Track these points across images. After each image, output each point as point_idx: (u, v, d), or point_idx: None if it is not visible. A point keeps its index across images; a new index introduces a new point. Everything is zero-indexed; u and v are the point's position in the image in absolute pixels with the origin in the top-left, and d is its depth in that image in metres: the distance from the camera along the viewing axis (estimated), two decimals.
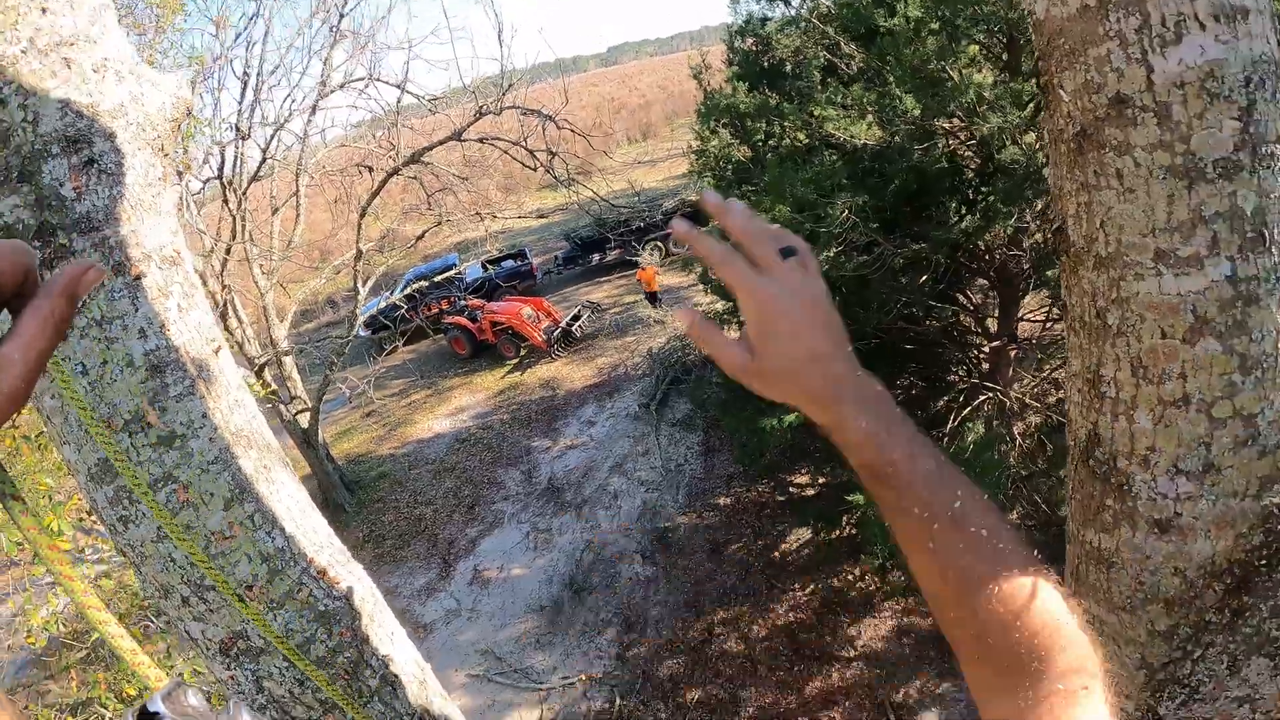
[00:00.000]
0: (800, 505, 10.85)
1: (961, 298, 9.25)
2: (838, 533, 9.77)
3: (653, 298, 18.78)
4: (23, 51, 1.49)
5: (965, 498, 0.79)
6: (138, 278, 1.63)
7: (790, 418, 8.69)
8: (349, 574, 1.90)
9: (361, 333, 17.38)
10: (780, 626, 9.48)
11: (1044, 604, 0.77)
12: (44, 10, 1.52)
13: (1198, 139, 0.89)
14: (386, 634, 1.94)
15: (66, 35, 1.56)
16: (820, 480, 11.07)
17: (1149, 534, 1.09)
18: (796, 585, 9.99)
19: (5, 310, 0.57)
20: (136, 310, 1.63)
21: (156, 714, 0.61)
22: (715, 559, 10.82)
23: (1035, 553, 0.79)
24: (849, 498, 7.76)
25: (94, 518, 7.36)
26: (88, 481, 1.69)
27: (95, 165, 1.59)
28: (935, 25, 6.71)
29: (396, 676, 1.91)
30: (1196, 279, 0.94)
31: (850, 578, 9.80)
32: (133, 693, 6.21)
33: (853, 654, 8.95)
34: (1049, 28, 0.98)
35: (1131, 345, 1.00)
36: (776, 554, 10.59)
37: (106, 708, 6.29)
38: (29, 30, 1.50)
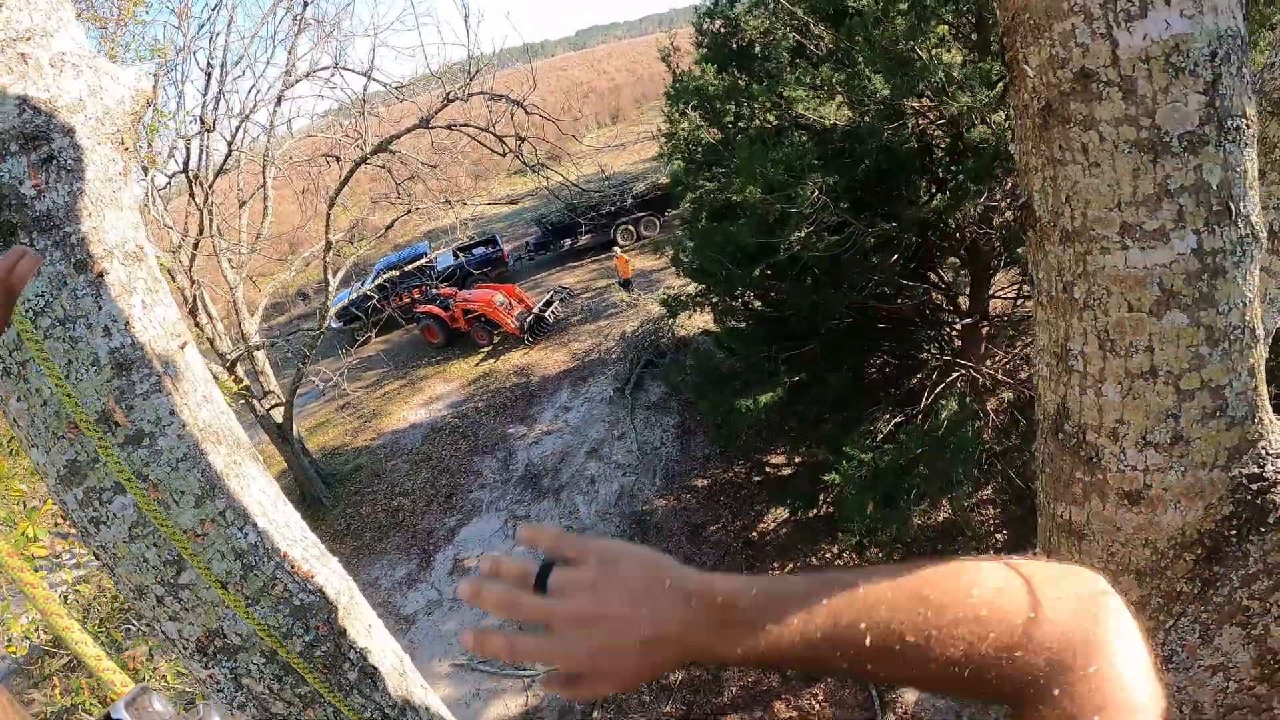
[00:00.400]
0: (777, 485, 10.91)
1: (933, 276, 9.32)
2: (815, 511, 9.84)
3: (626, 284, 18.81)
4: None
5: (859, 603, 0.70)
6: (100, 275, 1.61)
7: (765, 398, 8.72)
8: (324, 567, 1.88)
9: (333, 324, 17.28)
10: None
11: (992, 638, 0.67)
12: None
13: (1163, 113, 0.90)
14: (364, 626, 1.93)
15: (23, 30, 1.53)
16: (796, 460, 11.14)
17: (1119, 506, 1.10)
18: (775, 565, 10.05)
19: None
20: (100, 308, 1.60)
21: None
22: (694, 541, 10.86)
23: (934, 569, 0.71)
24: (825, 476, 7.81)
25: (69, 521, 7.30)
26: (57, 484, 1.66)
27: (54, 161, 1.56)
28: (904, 5, 6.73)
29: (375, 669, 1.90)
30: (1163, 252, 0.94)
31: (829, 556, 9.87)
32: (115, 697, 6.16)
33: None
34: (1013, 3, 0.98)
35: (1099, 319, 1.01)
36: (755, 534, 10.65)
37: (91, 714, 6.25)
38: None
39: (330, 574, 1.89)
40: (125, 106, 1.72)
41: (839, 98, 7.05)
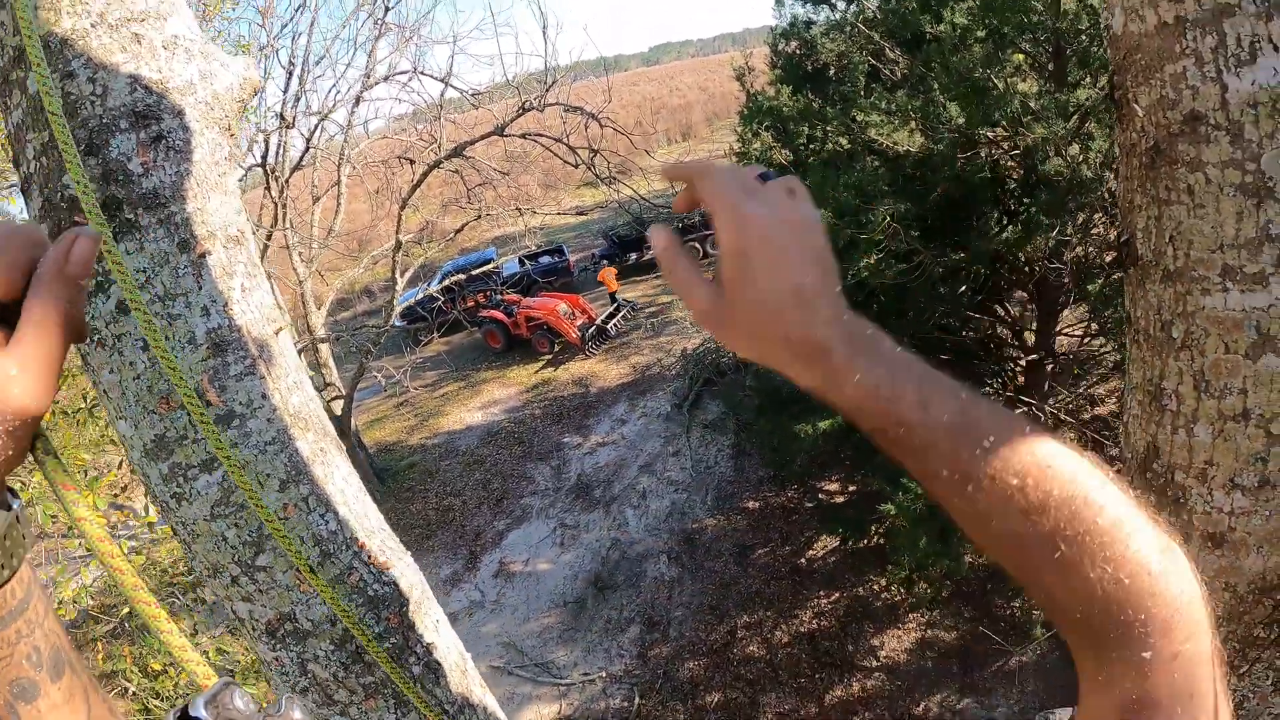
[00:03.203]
0: (829, 512, 10.81)
1: (1000, 309, 9.18)
2: (866, 542, 9.73)
3: (612, 299, 19.11)
4: (93, 25, 1.51)
5: (999, 439, 0.64)
6: (202, 256, 1.65)
7: (824, 424, 8.66)
8: (399, 561, 1.92)
9: (397, 323, 17.54)
10: (803, 633, 9.46)
11: (1118, 555, 0.61)
12: None
13: (1268, 158, 0.90)
14: (432, 622, 1.96)
15: (137, 11, 1.58)
16: (851, 488, 11.03)
17: (1202, 548, 1.09)
18: (821, 593, 9.95)
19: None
20: (200, 288, 1.64)
21: (198, 719, 0.58)
22: (741, 563, 10.81)
23: (1108, 474, 0.64)
24: (880, 507, 7.72)
25: (127, 494, 7.49)
26: (142, 457, 1.69)
27: (163, 141, 1.59)
28: (981, 33, 6.66)
29: (440, 664, 1.92)
30: (1261, 295, 0.94)
31: (876, 588, 9.75)
32: (158, 667, 6.33)
33: (874, 664, 8.91)
34: (1125, 43, 0.99)
35: (1194, 359, 1.01)
36: (803, 560, 10.56)
37: (131, 681, 6.41)
38: (99, 5, 1.52)
39: (405, 568, 1.92)
40: (234, 94, 1.76)
41: (913, 124, 6.99)
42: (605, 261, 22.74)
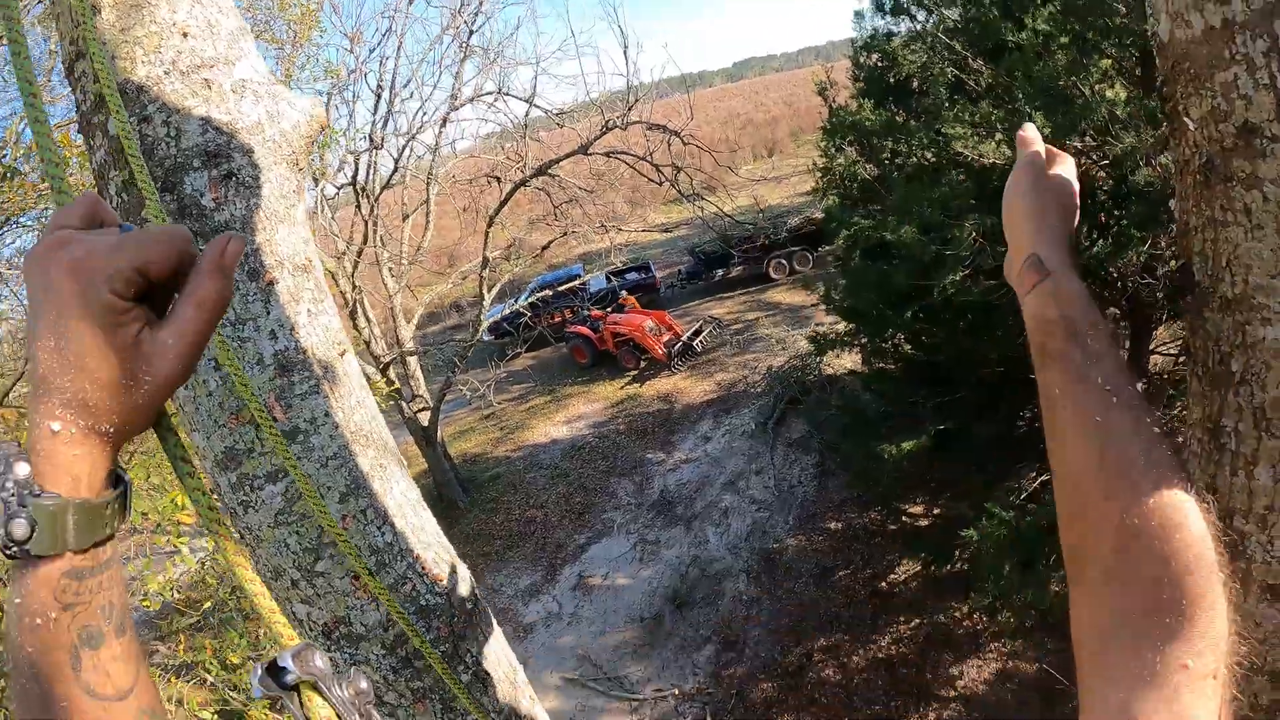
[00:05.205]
0: (912, 536, 10.55)
1: None
2: (949, 567, 9.46)
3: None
4: (165, 73, 1.63)
5: (1142, 398, 0.77)
6: (270, 283, 1.74)
7: (908, 445, 8.48)
8: (453, 572, 1.97)
9: (485, 337, 17.84)
10: (880, 659, 9.25)
11: (1201, 538, 0.66)
12: (185, 35, 1.66)
13: None
14: (482, 633, 2.01)
15: (206, 58, 1.69)
16: (935, 511, 10.76)
17: (1261, 600, 1.00)
18: (901, 618, 9.72)
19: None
20: (269, 313, 1.73)
21: (284, 668, 0.68)
22: (821, 584, 10.64)
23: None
24: (963, 532, 7.50)
25: (221, 501, 7.90)
26: (214, 467, 1.79)
27: (233, 178, 1.70)
28: (1065, 40, 6.45)
29: (488, 674, 1.97)
30: None
31: (957, 615, 9.48)
32: (236, 660, 6.58)
33: (952, 694, 8.65)
34: (1173, 51, 0.92)
35: (1255, 395, 0.93)
36: (884, 584, 10.34)
37: (210, 672, 6.67)
38: (171, 54, 1.64)
39: (459, 579, 1.98)
40: (300, 130, 1.86)
41: (998, 135, 6.80)
42: (687, 280, 22.86)
